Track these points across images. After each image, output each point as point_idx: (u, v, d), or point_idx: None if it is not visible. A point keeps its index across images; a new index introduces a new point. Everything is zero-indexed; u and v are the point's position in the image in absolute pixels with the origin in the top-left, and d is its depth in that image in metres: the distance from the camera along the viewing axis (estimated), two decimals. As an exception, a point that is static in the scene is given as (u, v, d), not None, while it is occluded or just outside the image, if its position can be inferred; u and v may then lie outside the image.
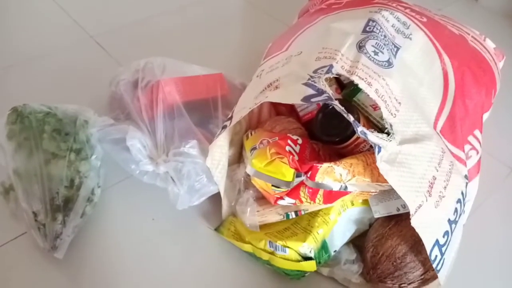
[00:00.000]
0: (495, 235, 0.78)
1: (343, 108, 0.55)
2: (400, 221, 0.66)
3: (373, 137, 0.56)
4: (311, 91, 0.56)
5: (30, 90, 0.97)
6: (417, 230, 0.56)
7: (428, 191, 0.57)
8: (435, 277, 0.62)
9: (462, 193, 0.63)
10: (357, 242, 0.72)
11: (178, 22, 1.17)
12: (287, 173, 0.61)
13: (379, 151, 0.55)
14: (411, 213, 0.55)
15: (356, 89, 0.67)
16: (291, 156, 0.62)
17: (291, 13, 1.01)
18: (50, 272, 0.69)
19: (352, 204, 0.69)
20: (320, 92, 0.56)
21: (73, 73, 1.01)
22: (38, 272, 0.69)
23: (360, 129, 0.55)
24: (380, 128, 0.68)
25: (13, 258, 0.70)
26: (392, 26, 0.71)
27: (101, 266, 0.70)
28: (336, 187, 0.62)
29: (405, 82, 0.65)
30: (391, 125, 0.58)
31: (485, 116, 0.80)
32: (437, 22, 0.80)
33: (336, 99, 0.57)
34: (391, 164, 0.56)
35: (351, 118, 0.55)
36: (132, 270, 0.70)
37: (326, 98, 0.55)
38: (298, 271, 0.66)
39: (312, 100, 0.55)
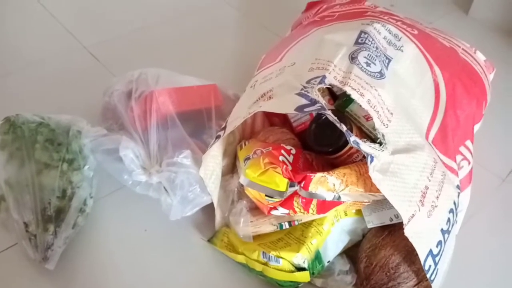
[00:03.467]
0: (487, 245, 0.79)
1: (336, 118, 0.55)
2: (393, 231, 0.66)
3: (366, 146, 0.56)
4: (304, 101, 0.57)
5: (23, 99, 0.96)
6: (410, 240, 0.56)
7: (421, 200, 0.57)
8: (428, 286, 0.62)
9: (455, 203, 0.63)
10: (351, 252, 0.72)
11: (171, 33, 1.18)
12: (281, 183, 0.62)
13: (371, 161, 0.56)
14: (404, 222, 0.56)
15: (348, 100, 0.68)
16: (284, 166, 0.62)
17: (285, 25, 1.02)
18: (41, 283, 0.68)
19: (346, 214, 0.69)
20: (313, 102, 0.56)
21: (67, 83, 1.01)
22: (29, 283, 0.68)
23: (352, 138, 0.55)
24: (373, 139, 0.68)
25: (4, 270, 0.69)
26: (384, 38, 0.72)
27: (92, 278, 0.70)
28: (329, 197, 0.62)
29: (397, 93, 0.66)
30: (383, 135, 0.59)
31: (476, 127, 0.80)
32: (428, 34, 0.82)
33: (329, 110, 0.57)
34: (384, 173, 0.56)
35: (344, 128, 0.55)
36: (124, 281, 0.70)
37: (319, 108, 0.55)
38: (291, 282, 0.66)
39: (305, 110, 0.56)
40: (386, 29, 0.73)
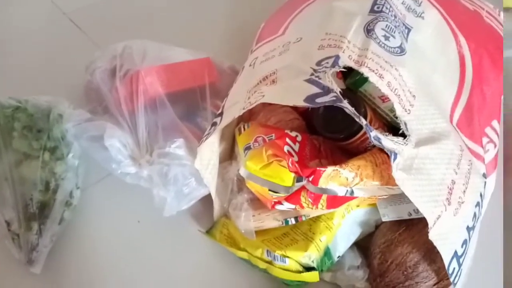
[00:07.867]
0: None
1: (353, 109, 0.47)
2: (411, 225, 0.59)
3: (388, 142, 0.49)
4: (315, 89, 0.48)
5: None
6: (435, 244, 0.50)
7: (447, 198, 0.51)
8: (448, 284, 0.57)
9: (481, 194, 0.57)
10: (361, 242, 0.66)
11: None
12: (286, 177, 0.55)
13: (395, 159, 0.48)
14: (429, 225, 0.49)
15: (361, 79, 0.59)
16: (290, 159, 0.55)
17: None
18: (29, 283, 0.63)
19: (357, 206, 0.63)
20: (326, 90, 0.48)
21: (45, 57, 0.91)
22: (16, 283, 0.63)
23: (373, 134, 0.48)
24: (389, 122, 0.61)
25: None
26: (402, 3, 0.63)
27: (84, 275, 0.65)
28: (341, 192, 0.55)
29: (419, 70, 0.57)
30: (405, 124, 0.51)
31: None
32: (450, -4, 0.72)
33: (342, 97, 0.49)
34: (408, 171, 0.49)
35: (363, 122, 0.47)
36: (118, 277, 0.65)
37: (334, 99, 0.47)
38: (298, 282, 0.60)
39: (317, 100, 0.47)
40: (405, -7, 0.64)
